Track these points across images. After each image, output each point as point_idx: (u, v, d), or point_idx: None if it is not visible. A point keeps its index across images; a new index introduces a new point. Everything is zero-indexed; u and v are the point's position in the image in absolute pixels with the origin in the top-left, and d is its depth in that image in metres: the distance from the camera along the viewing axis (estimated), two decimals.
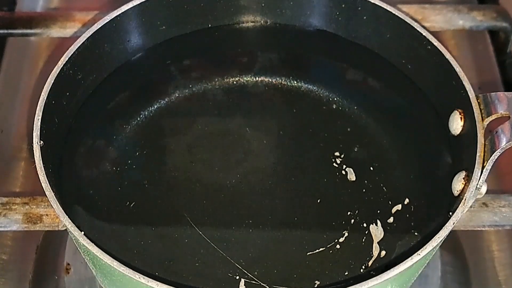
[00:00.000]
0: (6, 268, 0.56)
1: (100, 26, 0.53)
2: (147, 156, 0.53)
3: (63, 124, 0.52)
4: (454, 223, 0.44)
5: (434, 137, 0.53)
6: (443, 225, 0.44)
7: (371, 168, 0.53)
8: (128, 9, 0.55)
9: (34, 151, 0.47)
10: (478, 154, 0.46)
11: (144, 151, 0.54)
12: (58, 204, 0.45)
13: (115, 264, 0.42)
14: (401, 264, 0.42)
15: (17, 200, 0.51)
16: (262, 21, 0.59)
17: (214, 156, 0.54)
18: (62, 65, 0.51)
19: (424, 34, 0.53)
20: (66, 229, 0.47)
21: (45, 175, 0.45)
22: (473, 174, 0.46)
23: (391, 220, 0.50)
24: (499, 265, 0.57)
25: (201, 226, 0.50)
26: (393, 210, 0.51)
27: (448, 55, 0.51)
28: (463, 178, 0.48)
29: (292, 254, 0.49)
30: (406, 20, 0.54)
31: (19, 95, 0.66)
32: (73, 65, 0.52)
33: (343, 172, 0.53)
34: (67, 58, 0.51)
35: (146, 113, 0.56)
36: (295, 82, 0.58)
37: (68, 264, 0.56)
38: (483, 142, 0.47)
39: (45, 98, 0.49)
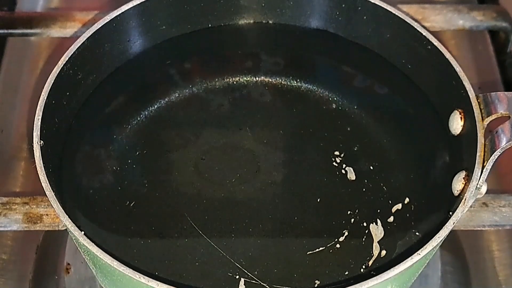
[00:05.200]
0: (6, 268, 0.56)
1: (100, 26, 0.53)
2: (147, 156, 0.53)
3: (63, 124, 0.52)
4: (454, 223, 0.44)
5: (434, 137, 0.53)
6: (443, 225, 0.44)
7: (371, 168, 0.53)
8: (128, 9, 0.55)
9: (34, 151, 0.47)
10: (478, 154, 0.46)
11: (144, 151, 0.54)
12: (58, 204, 0.45)
13: (115, 264, 0.42)
14: (401, 264, 0.42)
15: (17, 200, 0.51)
16: (262, 21, 0.59)
17: (213, 156, 0.54)
18: (62, 65, 0.51)
19: (424, 34, 0.53)
20: (66, 229, 0.47)
21: (45, 175, 0.45)
22: (473, 174, 0.46)
23: (391, 219, 0.50)
24: (499, 265, 0.57)
25: (201, 226, 0.50)
26: (393, 209, 0.51)
27: (448, 55, 0.51)
28: (463, 178, 0.48)
29: (292, 254, 0.49)
30: (406, 20, 0.54)
31: (19, 95, 0.66)
32: (73, 65, 0.52)
33: (343, 171, 0.53)
34: (67, 58, 0.51)
35: (146, 113, 0.56)
36: (295, 82, 0.58)
37: (68, 264, 0.56)
38: (483, 142, 0.47)
39: (45, 98, 0.49)
